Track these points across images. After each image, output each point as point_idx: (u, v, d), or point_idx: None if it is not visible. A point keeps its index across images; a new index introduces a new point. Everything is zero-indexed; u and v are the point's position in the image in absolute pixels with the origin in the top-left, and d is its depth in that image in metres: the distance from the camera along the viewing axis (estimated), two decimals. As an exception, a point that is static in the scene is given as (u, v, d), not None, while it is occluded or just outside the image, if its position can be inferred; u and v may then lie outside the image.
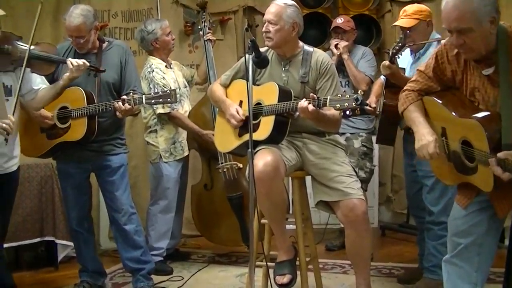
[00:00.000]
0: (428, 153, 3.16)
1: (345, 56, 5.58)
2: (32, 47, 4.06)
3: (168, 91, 4.31)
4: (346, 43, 5.63)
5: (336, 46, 5.64)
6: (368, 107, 4.60)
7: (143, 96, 4.36)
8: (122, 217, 4.74)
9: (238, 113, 4.13)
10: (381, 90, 4.70)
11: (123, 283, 5.17)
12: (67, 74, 4.21)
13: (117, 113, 4.35)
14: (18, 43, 4.07)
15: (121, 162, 4.81)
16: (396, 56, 4.39)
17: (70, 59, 4.25)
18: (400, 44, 4.35)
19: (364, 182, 5.44)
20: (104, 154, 4.69)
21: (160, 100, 4.32)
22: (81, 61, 4.22)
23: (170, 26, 5.48)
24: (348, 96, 3.58)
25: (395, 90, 4.49)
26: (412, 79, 3.41)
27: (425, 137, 3.19)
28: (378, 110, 4.67)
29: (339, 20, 5.74)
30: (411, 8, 4.60)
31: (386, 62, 4.35)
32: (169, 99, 4.31)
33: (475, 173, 3.05)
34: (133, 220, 4.78)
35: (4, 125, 3.78)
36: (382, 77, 4.78)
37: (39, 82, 4.26)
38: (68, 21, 4.43)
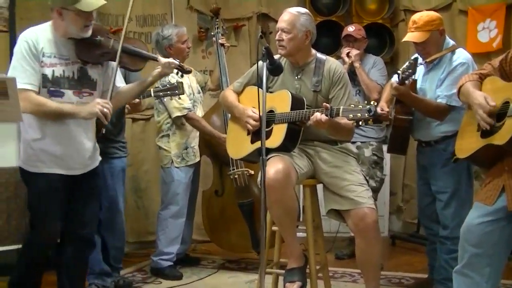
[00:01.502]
0: (480, 106, 3.36)
1: (356, 65, 5.58)
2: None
3: (175, 83, 4.33)
4: (358, 51, 5.63)
5: (347, 54, 5.64)
6: (380, 111, 4.58)
7: (151, 89, 4.39)
8: (117, 216, 4.97)
9: (254, 113, 4.14)
10: (391, 95, 4.63)
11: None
12: (158, 70, 4.10)
13: (126, 107, 4.37)
14: (109, 36, 4.00)
15: (122, 166, 4.96)
16: (406, 81, 4.29)
17: (159, 57, 4.20)
18: (410, 70, 4.24)
19: (375, 192, 5.41)
20: (107, 157, 4.72)
21: (168, 92, 4.34)
22: (171, 59, 4.16)
23: (183, 31, 5.49)
24: (361, 106, 3.57)
25: (405, 104, 4.49)
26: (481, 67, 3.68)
27: (477, 99, 3.39)
28: (390, 115, 4.64)
29: (350, 28, 5.74)
30: (421, 19, 4.43)
31: (394, 83, 4.31)
32: (177, 91, 4.33)
33: (497, 132, 3.26)
34: (122, 219, 5.07)
35: (105, 109, 3.75)
36: (392, 80, 4.75)
37: (118, 80, 4.15)
38: None
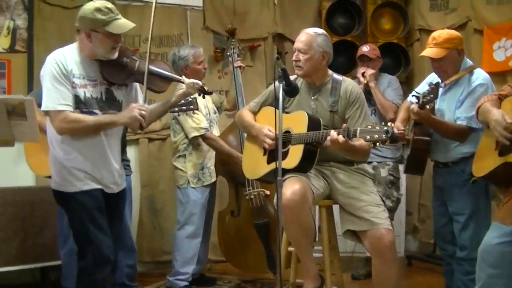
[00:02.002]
0: (497, 122, 3.42)
1: (372, 84, 5.58)
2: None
3: (189, 99, 4.34)
4: (373, 71, 5.63)
5: (363, 74, 5.64)
6: (396, 130, 4.54)
7: None
8: (126, 234, 5.00)
9: (271, 131, 4.14)
10: (407, 115, 4.60)
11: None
12: (182, 90, 4.11)
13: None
14: (134, 57, 3.98)
15: (127, 185, 4.90)
16: (427, 106, 4.21)
17: (184, 78, 4.19)
18: (432, 95, 4.16)
19: (391, 211, 5.39)
20: None
21: (184, 107, 4.33)
22: (195, 80, 4.17)
23: (199, 52, 5.49)
24: (378, 128, 3.56)
25: (424, 126, 4.47)
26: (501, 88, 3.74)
27: (495, 115, 3.45)
28: (407, 135, 4.62)
29: (365, 48, 5.75)
30: (441, 36, 4.41)
31: (415, 108, 4.24)
32: (191, 106, 4.33)
33: None
34: (131, 236, 5.15)
35: (143, 111, 3.75)
36: (408, 100, 4.74)
37: (141, 101, 4.10)
38: None
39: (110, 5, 3.72)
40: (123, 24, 3.73)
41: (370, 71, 5.62)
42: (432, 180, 4.74)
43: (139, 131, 4.11)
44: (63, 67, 3.66)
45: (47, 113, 3.66)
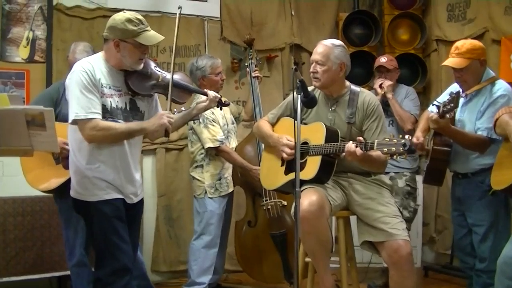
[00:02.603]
0: None
1: (389, 96, 5.56)
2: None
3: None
4: (391, 82, 5.62)
5: (380, 85, 5.63)
6: (416, 140, 4.52)
7: None
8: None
9: (290, 141, 4.16)
10: (428, 125, 4.57)
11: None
12: (204, 104, 4.15)
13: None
14: (157, 69, 4.00)
15: None
16: (447, 115, 4.16)
17: (207, 90, 4.24)
18: (452, 104, 4.12)
19: (408, 222, 5.36)
20: None
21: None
22: (217, 94, 4.22)
23: (216, 62, 5.50)
24: (396, 140, 3.58)
25: (444, 136, 4.45)
26: None
27: None
28: (426, 145, 4.61)
29: (383, 59, 5.74)
30: (463, 46, 4.39)
31: (434, 116, 4.23)
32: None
33: None
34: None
35: (171, 119, 3.79)
36: (428, 110, 4.73)
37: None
38: (72, 58, 4.58)
39: (140, 16, 3.75)
40: (153, 36, 3.76)
41: (388, 82, 5.60)
42: (451, 191, 4.72)
43: (161, 138, 4.13)
44: (92, 76, 3.67)
45: (75, 122, 3.64)
